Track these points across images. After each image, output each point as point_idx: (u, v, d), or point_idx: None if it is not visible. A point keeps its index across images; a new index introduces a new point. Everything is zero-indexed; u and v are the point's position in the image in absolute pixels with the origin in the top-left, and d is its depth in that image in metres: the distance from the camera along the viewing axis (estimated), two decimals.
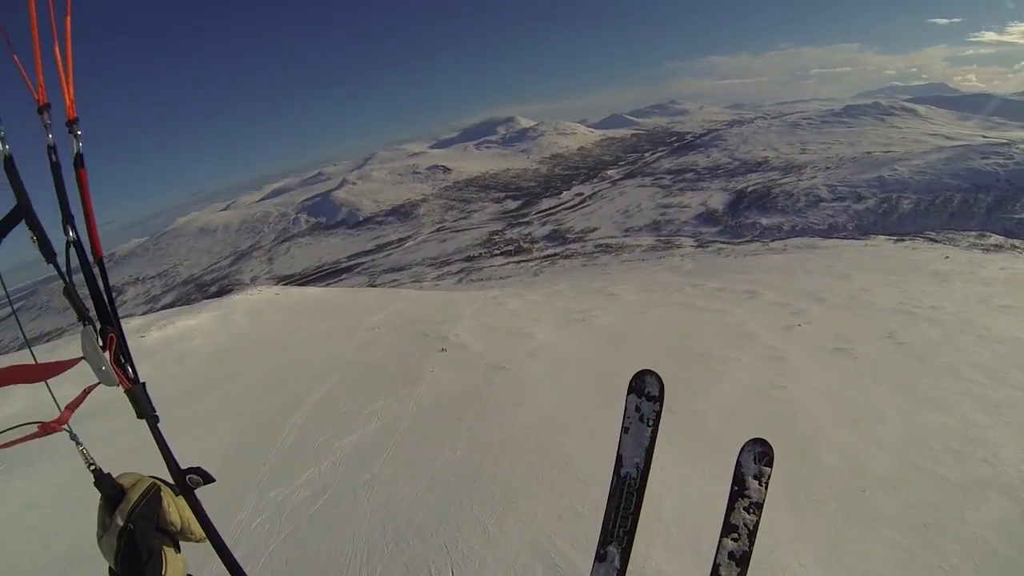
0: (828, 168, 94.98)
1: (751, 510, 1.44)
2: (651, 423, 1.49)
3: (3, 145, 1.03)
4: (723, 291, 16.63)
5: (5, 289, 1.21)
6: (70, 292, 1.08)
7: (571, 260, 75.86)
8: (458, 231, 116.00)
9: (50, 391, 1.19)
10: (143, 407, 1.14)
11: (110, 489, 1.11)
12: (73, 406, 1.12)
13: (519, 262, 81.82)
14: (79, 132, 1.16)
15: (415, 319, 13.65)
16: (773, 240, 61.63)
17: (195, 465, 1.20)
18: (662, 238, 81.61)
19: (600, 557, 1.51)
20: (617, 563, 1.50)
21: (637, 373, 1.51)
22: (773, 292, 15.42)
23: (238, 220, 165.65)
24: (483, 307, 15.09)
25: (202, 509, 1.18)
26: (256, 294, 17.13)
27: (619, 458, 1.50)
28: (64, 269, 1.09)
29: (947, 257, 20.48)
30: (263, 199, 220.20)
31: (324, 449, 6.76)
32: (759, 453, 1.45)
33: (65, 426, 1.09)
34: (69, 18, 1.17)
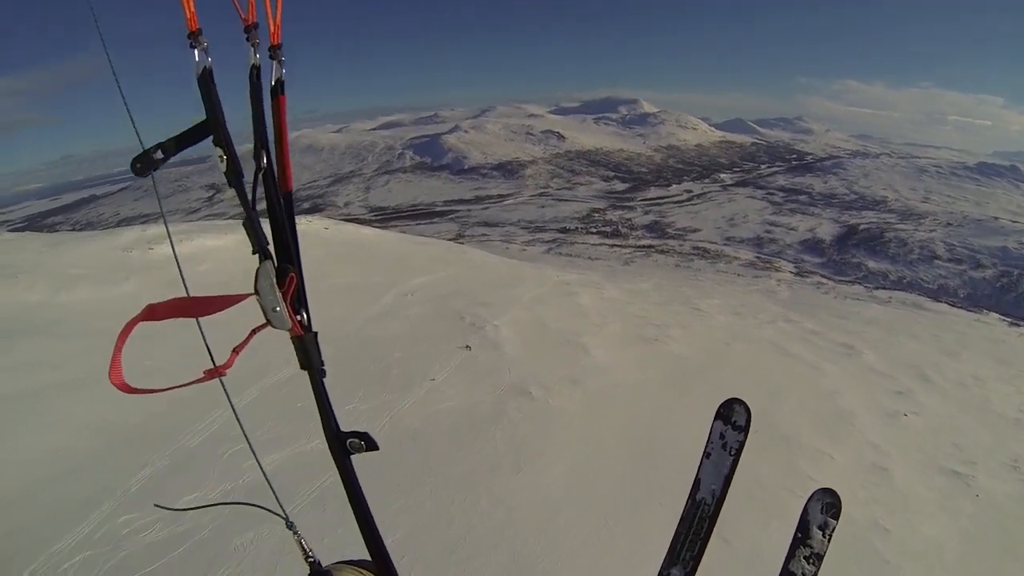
0: (949, 224, 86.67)
1: (811, 560, 1.35)
2: (733, 452, 1.40)
3: (204, 56, 0.93)
4: (818, 336, 15.21)
5: (157, 194, 1.12)
6: (251, 221, 0.95)
7: (666, 256, 72.40)
8: (559, 200, 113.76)
9: (202, 335, 1.09)
10: (311, 358, 1.04)
11: None
12: (239, 349, 0.98)
13: (612, 246, 78.90)
14: (283, 58, 1.06)
15: (461, 291, 11.84)
16: (877, 288, 56.60)
17: (359, 429, 1.07)
18: (762, 256, 76.72)
19: None
20: None
21: (726, 401, 1.43)
22: (874, 354, 13.83)
23: (345, 144, 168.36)
24: (547, 294, 13.11)
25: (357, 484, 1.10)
26: (303, 224, 15.60)
27: (697, 481, 1.43)
28: (249, 195, 0.98)
29: None
30: (374, 128, 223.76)
31: (230, 466, 4.92)
32: (827, 503, 1.34)
33: (227, 371, 0.97)
34: None
